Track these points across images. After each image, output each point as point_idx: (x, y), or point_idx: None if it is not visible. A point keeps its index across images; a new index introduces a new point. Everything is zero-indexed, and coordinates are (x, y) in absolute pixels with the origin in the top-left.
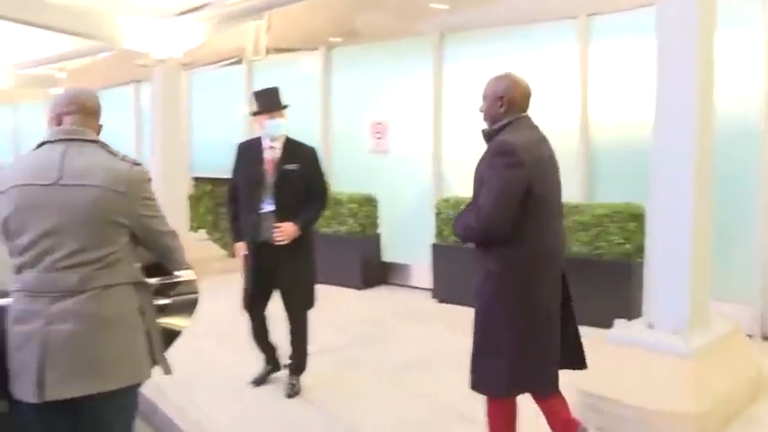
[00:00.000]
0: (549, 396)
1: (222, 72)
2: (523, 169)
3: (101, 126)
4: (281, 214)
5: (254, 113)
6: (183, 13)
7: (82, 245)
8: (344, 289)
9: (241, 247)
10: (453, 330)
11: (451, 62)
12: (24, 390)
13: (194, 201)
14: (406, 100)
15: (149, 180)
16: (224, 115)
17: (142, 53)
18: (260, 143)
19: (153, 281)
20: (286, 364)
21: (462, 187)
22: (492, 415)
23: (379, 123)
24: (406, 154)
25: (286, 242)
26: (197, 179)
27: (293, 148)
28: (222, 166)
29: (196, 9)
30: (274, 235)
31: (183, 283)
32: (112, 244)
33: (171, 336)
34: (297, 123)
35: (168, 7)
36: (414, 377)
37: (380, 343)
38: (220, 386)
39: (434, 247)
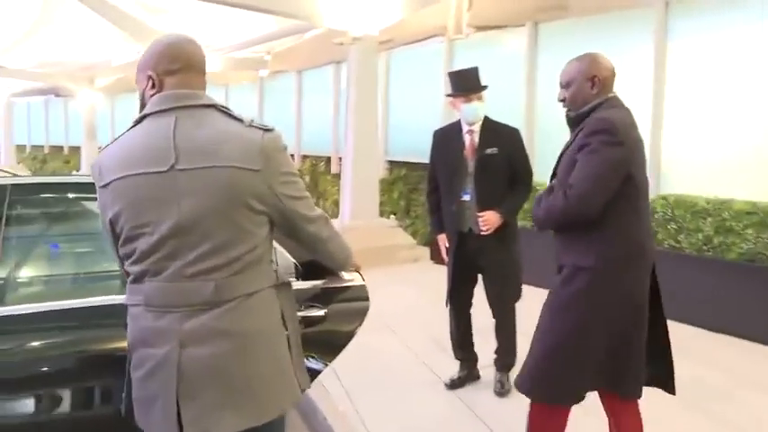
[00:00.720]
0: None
1: (422, 51)
2: (624, 150)
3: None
4: (483, 202)
5: (451, 95)
6: None
7: (215, 244)
8: (540, 290)
9: (443, 239)
10: None
11: (677, 37)
12: (159, 426)
13: (387, 185)
14: (621, 81)
15: (286, 149)
16: (422, 97)
17: (340, 31)
18: (458, 128)
19: (308, 284)
20: (494, 360)
21: (685, 184)
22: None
23: None
24: None
25: (490, 232)
26: (392, 163)
27: (493, 131)
28: (418, 149)
29: None
30: (479, 225)
31: (349, 288)
32: (251, 238)
33: (340, 340)
34: (500, 106)
35: None
36: None
37: None
38: (390, 390)
39: None
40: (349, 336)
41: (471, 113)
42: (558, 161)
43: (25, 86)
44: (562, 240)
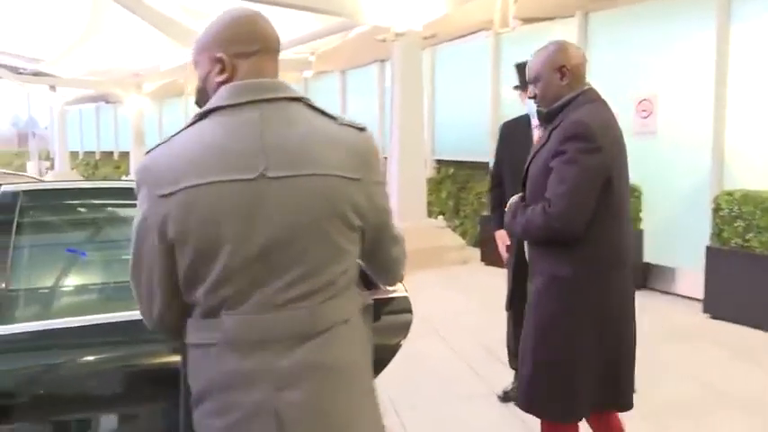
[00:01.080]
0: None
1: (467, 47)
2: (603, 155)
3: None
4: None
5: (516, 88)
6: None
7: (310, 266)
8: None
9: (502, 236)
10: (734, 357)
11: (741, 21)
12: None
13: (435, 185)
14: (680, 71)
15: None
16: (470, 93)
17: (383, 27)
18: (527, 121)
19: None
20: None
21: (751, 179)
22: None
23: (646, 100)
24: (678, 136)
25: None
26: (439, 161)
27: None
28: (466, 148)
29: None
30: None
31: (392, 300)
32: (346, 258)
33: (383, 356)
34: None
35: None
36: (683, 424)
37: (640, 373)
38: (438, 401)
39: (710, 250)
40: (393, 351)
41: (536, 108)
42: (530, 161)
43: (77, 94)
44: (538, 248)
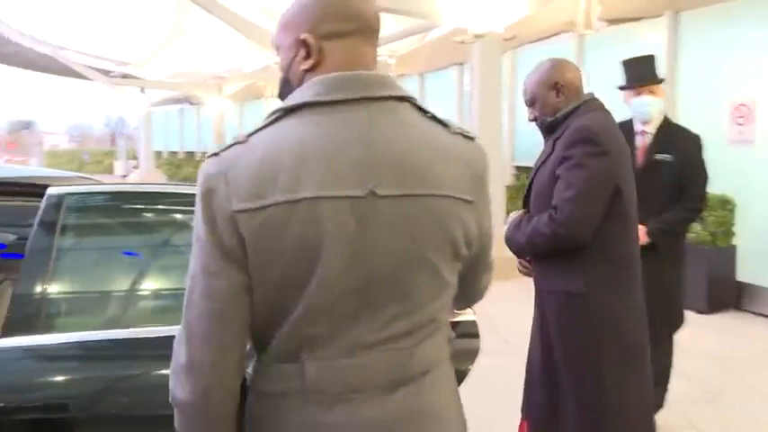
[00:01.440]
0: None
1: (549, 49)
2: (609, 160)
3: None
4: (641, 213)
5: (621, 88)
6: None
7: (412, 301)
8: (685, 311)
9: None
10: None
11: None
12: None
13: (514, 192)
14: None
15: None
16: None
17: (461, 29)
18: (629, 126)
19: None
20: None
21: None
22: None
23: (743, 105)
24: None
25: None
26: (519, 168)
27: (669, 134)
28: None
29: None
30: None
31: (459, 324)
32: (447, 292)
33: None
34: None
35: None
36: None
37: (729, 400)
38: (510, 423)
39: None
40: (460, 378)
41: (640, 109)
42: (533, 175)
43: (162, 96)
44: (543, 262)
